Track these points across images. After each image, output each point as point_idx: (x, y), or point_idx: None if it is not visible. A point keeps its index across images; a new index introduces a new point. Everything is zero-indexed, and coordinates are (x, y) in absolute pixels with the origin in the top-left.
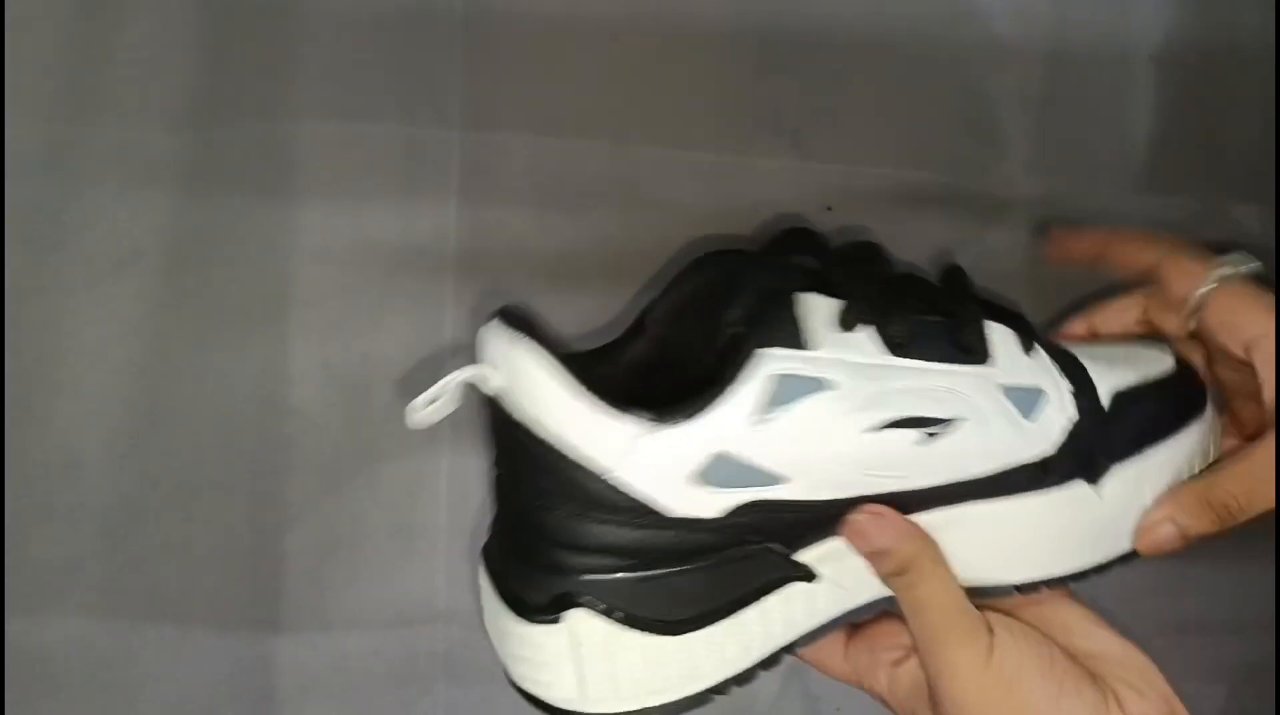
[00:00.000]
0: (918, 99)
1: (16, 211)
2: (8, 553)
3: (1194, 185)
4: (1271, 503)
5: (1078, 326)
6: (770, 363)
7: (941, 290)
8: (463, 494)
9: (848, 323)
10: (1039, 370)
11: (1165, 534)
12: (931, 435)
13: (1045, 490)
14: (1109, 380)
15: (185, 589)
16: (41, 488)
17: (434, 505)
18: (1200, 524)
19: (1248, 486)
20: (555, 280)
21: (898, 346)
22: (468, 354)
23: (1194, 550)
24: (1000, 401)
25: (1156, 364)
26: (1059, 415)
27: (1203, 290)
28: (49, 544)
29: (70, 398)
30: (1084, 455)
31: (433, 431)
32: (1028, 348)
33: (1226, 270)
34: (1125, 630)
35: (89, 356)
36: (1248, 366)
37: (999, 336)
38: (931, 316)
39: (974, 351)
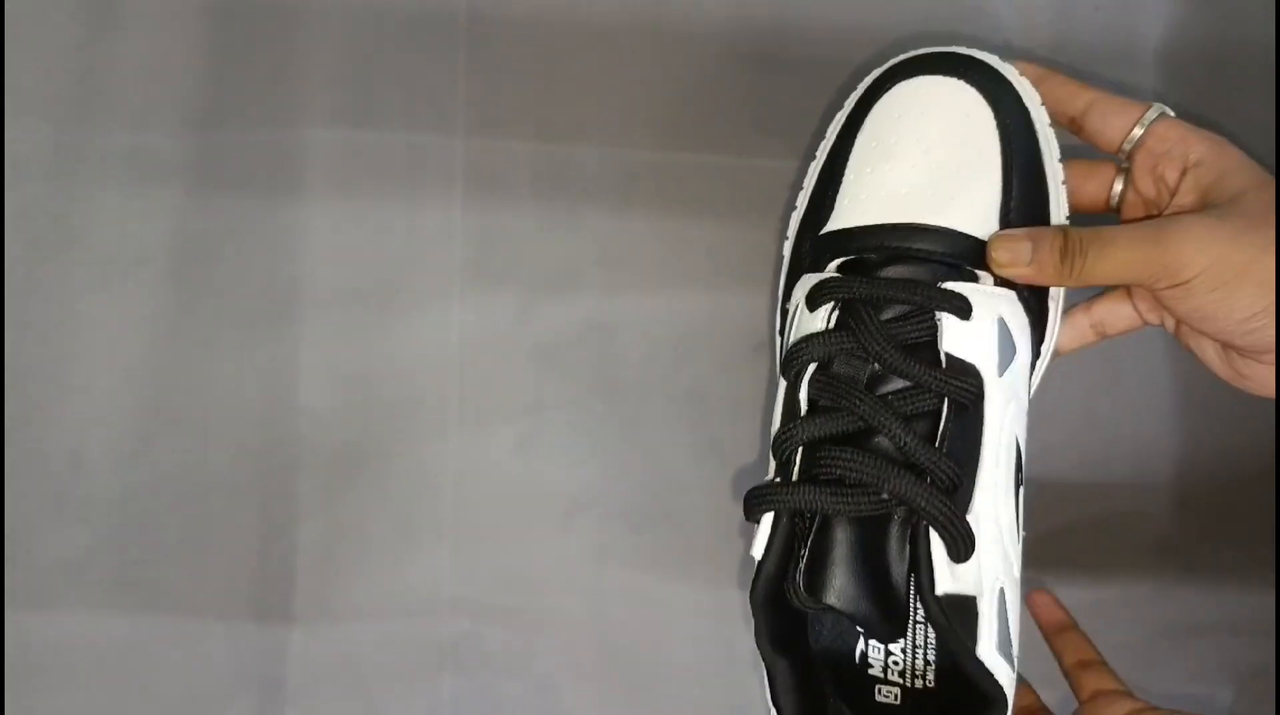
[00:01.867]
0: None
1: (27, 214)
2: (19, 548)
3: None
4: (1114, 277)
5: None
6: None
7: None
8: (468, 489)
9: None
10: (982, 292)
11: (1019, 240)
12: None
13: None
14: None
15: (195, 582)
16: (53, 484)
17: (439, 500)
18: (1048, 243)
19: (1100, 240)
20: (558, 281)
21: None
22: (469, 352)
23: (1195, 554)
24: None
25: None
26: (1014, 316)
27: (1144, 123)
28: (60, 539)
29: (81, 396)
30: (1040, 314)
31: (440, 427)
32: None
33: (1155, 112)
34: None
35: (99, 356)
36: (1168, 195)
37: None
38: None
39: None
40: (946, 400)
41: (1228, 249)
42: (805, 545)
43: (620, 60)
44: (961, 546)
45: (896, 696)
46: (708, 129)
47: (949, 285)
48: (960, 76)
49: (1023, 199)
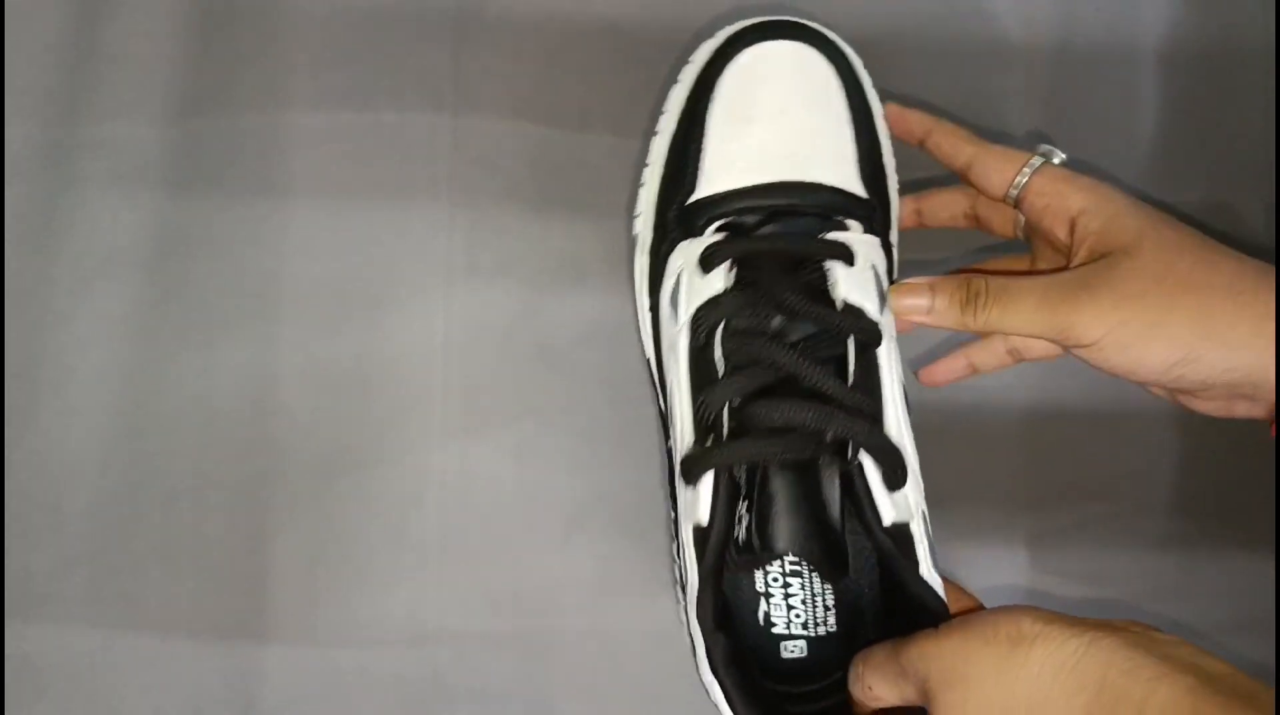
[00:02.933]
0: (922, 98)
1: (6, 210)
2: None
3: (1197, 183)
4: (1019, 332)
5: (906, 210)
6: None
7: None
8: (457, 501)
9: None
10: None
11: (919, 290)
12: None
13: None
14: None
15: (168, 597)
16: (26, 491)
17: (426, 514)
18: (947, 297)
19: (1005, 296)
20: (554, 277)
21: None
22: (461, 353)
23: (1196, 553)
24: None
25: None
26: (880, 261)
27: (1023, 175)
28: (33, 548)
29: (54, 400)
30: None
31: (426, 433)
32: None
33: (1038, 160)
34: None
35: (72, 357)
36: (1066, 246)
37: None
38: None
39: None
40: (853, 342)
41: (1131, 311)
42: (744, 504)
43: (620, 47)
44: (900, 472)
45: (802, 650)
46: None
47: (831, 236)
48: (804, 40)
49: (868, 153)
